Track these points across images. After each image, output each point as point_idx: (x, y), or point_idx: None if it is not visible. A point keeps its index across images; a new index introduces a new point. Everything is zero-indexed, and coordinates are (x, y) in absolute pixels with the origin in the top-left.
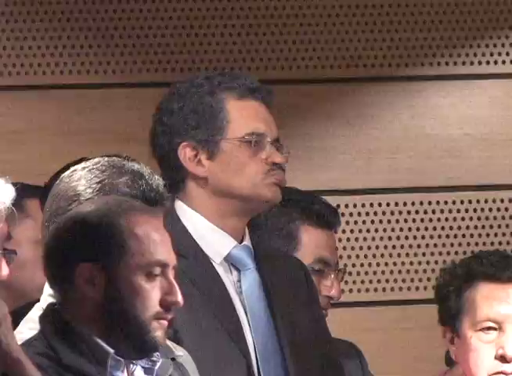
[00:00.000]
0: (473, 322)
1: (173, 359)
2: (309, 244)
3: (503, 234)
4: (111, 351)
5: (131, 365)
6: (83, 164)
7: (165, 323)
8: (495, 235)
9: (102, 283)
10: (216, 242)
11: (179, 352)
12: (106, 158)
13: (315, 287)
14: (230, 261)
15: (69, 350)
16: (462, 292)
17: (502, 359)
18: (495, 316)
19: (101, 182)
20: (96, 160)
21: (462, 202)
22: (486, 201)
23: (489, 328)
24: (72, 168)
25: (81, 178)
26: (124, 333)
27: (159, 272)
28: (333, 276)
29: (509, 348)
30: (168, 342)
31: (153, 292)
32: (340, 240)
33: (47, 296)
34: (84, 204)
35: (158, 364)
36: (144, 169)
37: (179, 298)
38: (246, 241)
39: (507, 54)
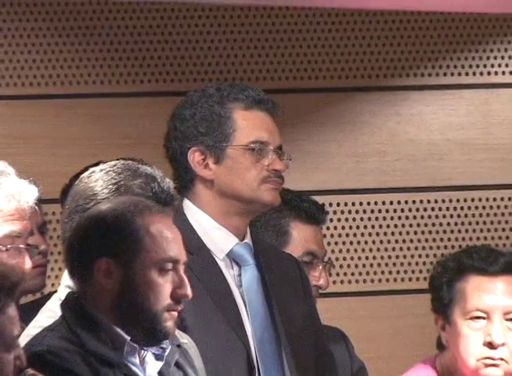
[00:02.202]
0: (463, 311)
1: (178, 345)
2: (299, 238)
3: (481, 230)
4: (128, 338)
5: (143, 351)
6: (100, 167)
7: (175, 314)
8: (474, 231)
9: (119, 277)
10: (219, 239)
11: (184, 339)
12: (122, 161)
13: (308, 282)
14: (232, 257)
15: (90, 336)
16: (453, 283)
17: (490, 345)
18: (484, 306)
19: (117, 184)
20: (113, 163)
21: (443, 201)
22: (465, 200)
23: (478, 317)
24: (90, 170)
25: (99, 180)
26: (138, 322)
27: (171, 267)
28: (321, 267)
29: (496, 335)
30: None
31: (165, 286)
32: (332, 235)
33: (64, 287)
34: (103, 204)
35: (167, 351)
36: (156, 172)
37: (188, 291)
38: (247, 239)
39: (484, 66)
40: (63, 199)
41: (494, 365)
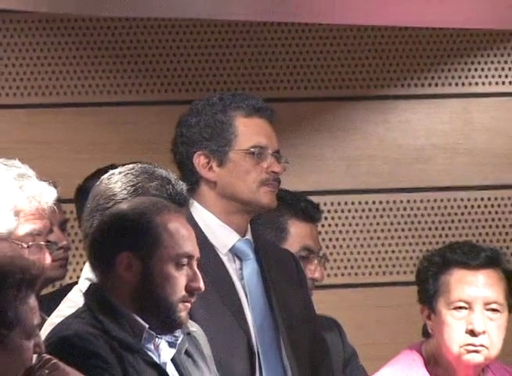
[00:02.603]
0: (447, 302)
1: (188, 333)
2: (296, 235)
3: (463, 228)
4: (146, 326)
5: (157, 339)
6: (119, 170)
7: (189, 305)
8: (456, 228)
9: (139, 270)
10: (222, 236)
11: (193, 327)
12: (140, 165)
13: (304, 275)
14: (234, 252)
15: (112, 323)
16: (438, 276)
17: (472, 333)
18: (466, 297)
19: (134, 186)
20: (131, 166)
21: (428, 201)
22: (448, 200)
23: (461, 307)
24: (110, 172)
25: (118, 181)
26: (155, 312)
27: (185, 262)
28: (316, 261)
29: (477, 324)
30: None
31: (180, 279)
32: (326, 232)
33: (84, 279)
34: (123, 203)
35: (180, 339)
36: (171, 175)
37: (201, 284)
38: (248, 236)
39: (466, 77)
40: (77, 198)
41: (475, 351)
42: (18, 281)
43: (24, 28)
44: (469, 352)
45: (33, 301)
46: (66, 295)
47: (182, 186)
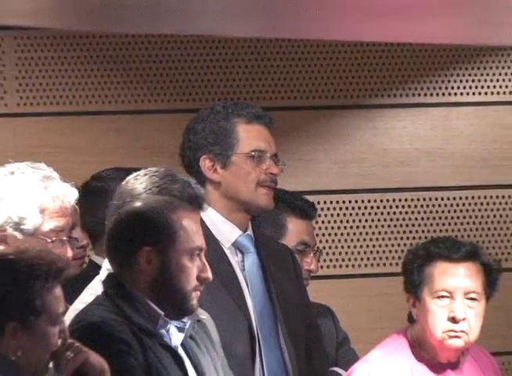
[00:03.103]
0: (431, 291)
1: (198, 321)
2: (293, 230)
3: (443, 224)
4: (162, 313)
5: (168, 324)
6: (144, 171)
7: (199, 293)
8: (437, 225)
9: (157, 262)
10: (226, 231)
11: (203, 315)
12: (163, 168)
13: (299, 266)
14: (236, 246)
15: (131, 310)
16: (423, 268)
17: (453, 320)
18: (448, 287)
19: (159, 187)
20: (154, 169)
21: (412, 200)
22: (430, 199)
23: (443, 297)
24: (135, 174)
25: (143, 182)
26: (171, 300)
27: (197, 254)
28: (312, 254)
29: (458, 312)
30: None
31: (193, 270)
32: (320, 228)
33: (105, 270)
34: (138, 201)
35: (188, 324)
36: (190, 179)
37: (210, 274)
38: (249, 231)
39: (446, 88)
40: (83, 194)
41: (456, 336)
42: (45, 273)
43: (46, 44)
44: (451, 337)
45: (58, 291)
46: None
47: (200, 189)
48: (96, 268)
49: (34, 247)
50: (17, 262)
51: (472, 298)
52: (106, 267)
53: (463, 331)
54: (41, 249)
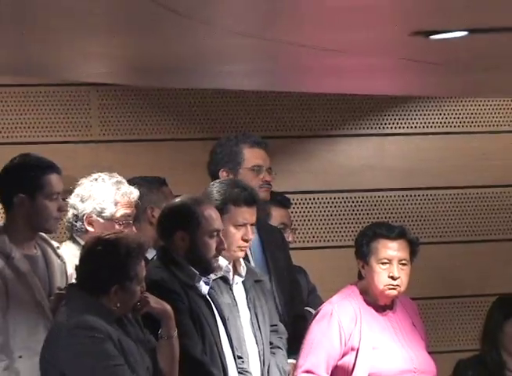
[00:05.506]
0: (376, 259)
1: (256, 281)
2: (276, 216)
3: (373, 213)
4: (197, 272)
5: (200, 280)
6: (219, 180)
7: (218, 259)
8: (368, 214)
9: (188, 241)
10: None
11: (262, 277)
12: (231, 178)
13: (286, 241)
14: None
15: (178, 270)
16: (370, 243)
17: (391, 278)
18: (388, 256)
19: (225, 190)
20: (226, 178)
21: (360, 197)
22: (370, 197)
23: (385, 263)
24: (213, 182)
25: (216, 186)
26: (199, 263)
27: (215, 234)
28: (289, 231)
29: (395, 272)
30: (253, 268)
31: (213, 245)
32: (305, 221)
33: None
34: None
35: (211, 279)
36: (248, 185)
37: (225, 246)
38: None
39: (381, 123)
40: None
41: (393, 289)
42: (137, 252)
43: (118, 94)
44: (390, 289)
45: (143, 262)
46: None
47: (255, 192)
48: None
49: (122, 231)
50: (118, 244)
51: (403, 264)
52: None
53: (398, 285)
54: (128, 232)
